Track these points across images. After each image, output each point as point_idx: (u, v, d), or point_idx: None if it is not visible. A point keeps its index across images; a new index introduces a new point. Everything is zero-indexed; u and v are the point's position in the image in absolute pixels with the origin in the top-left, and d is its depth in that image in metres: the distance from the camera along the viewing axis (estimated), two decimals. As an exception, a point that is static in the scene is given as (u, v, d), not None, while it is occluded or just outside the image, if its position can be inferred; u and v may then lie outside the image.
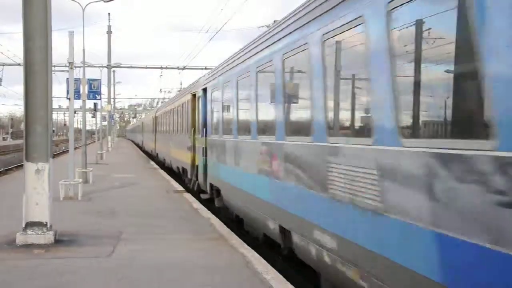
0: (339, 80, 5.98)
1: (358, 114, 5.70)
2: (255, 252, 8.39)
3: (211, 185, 13.89)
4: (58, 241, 8.93)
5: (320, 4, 6.14)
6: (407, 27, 4.45)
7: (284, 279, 6.94)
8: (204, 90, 15.13)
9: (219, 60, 15.89)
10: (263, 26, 22.39)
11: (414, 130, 4.40)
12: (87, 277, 7.01)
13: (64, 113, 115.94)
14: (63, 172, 15.78)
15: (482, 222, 3.45)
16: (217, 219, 11.57)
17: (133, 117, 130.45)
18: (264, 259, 8.03)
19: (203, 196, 15.53)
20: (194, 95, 17.67)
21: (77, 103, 22.71)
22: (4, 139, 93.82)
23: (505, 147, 3.27)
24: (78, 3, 23.55)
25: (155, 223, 11.09)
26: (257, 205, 9.11)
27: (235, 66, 10.75)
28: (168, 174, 23.93)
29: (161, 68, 52.35)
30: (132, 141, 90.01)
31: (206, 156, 14.60)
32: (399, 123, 4.52)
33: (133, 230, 10.27)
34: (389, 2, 4.56)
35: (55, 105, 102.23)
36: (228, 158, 11.53)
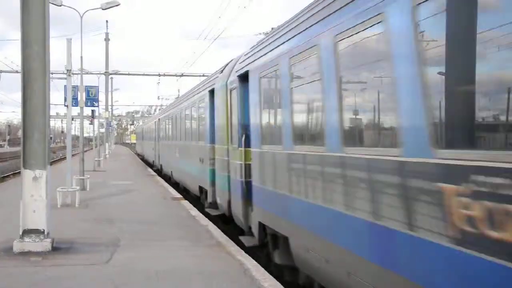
0: None
1: None
2: (252, 260, 8.38)
3: None
4: (55, 249, 8.90)
5: None
6: None
7: (282, 287, 6.93)
8: None
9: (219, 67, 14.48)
10: (260, 34, 22.50)
11: None
12: (84, 284, 6.99)
13: (62, 120, 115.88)
14: (61, 179, 15.75)
15: None
16: (215, 226, 11.55)
17: (131, 124, 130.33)
18: (262, 266, 8.02)
19: None
20: None
21: (75, 110, 22.79)
22: (1, 146, 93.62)
23: None
24: (76, 10, 23.61)
25: (153, 230, 11.07)
26: None
27: None
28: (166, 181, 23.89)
29: (159, 75, 52.40)
30: (139, 156, 56.33)
31: None
32: None
33: (130, 237, 10.25)
34: None
35: (52, 112, 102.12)
36: None
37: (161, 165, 29.68)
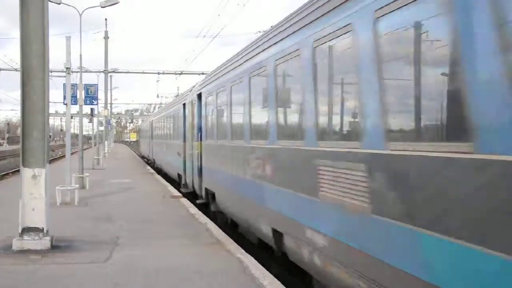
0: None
1: None
2: (252, 257, 8.38)
3: None
4: (54, 247, 8.90)
5: None
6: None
7: (281, 285, 6.93)
8: None
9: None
10: (259, 32, 22.52)
11: None
12: (83, 282, 6.99)
13: (61, 118, 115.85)
14: (60, 177, 15.75)
15: None
16: (214, 224, 11.56)
17: (130, 122, 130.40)
18: (261, 264, 8.02)
19: None
20: None
21: (74, 108, 22.78)
22: (0, 144, 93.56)
23: None
24: (75, 8, 23.55)
25: (152, 229, 11.07)
26: None
27: None
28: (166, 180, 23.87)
29: (158, 73, 52.33)
30: (144, 159, 44.67)
31: None
32: None
33: (130, 235, 10.24)
34: None
35: (51, 110, 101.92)
36: None
37: (212, 195, 13.21)
